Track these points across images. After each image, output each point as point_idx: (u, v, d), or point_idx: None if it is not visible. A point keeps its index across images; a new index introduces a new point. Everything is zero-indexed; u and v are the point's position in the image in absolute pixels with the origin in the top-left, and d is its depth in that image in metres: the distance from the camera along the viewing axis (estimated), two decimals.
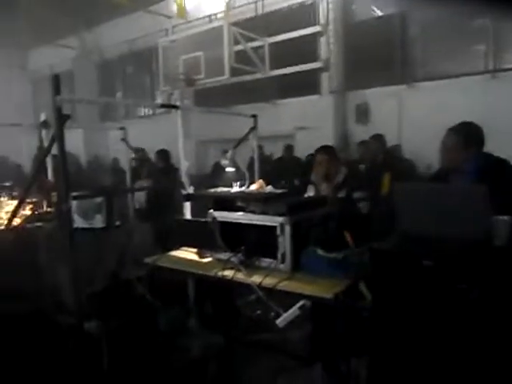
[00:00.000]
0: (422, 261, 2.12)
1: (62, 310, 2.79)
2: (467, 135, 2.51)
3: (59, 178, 3.82)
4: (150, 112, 11.29)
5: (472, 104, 6.01)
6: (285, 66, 7.99)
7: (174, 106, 3.12)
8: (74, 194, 2.68)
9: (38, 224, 3.34)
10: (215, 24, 8.07)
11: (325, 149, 3.16)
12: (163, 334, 2.98)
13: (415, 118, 6.68)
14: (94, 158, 10.40)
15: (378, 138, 5.64)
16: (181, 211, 3.43)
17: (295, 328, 2.57)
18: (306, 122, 7.89)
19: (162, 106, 3.45)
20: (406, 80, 7.01)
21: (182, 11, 9.82)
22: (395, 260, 2.18)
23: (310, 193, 3.02)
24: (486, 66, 6.41)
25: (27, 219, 3.35)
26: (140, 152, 5.86)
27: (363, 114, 7.41)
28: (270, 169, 7.13)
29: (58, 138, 2.41)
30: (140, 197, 5.54)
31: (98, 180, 7.92)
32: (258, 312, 3.21)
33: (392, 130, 6.61)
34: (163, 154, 6.04)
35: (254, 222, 2.45)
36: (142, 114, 11.61)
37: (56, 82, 2.42)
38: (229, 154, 2.92)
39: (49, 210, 3.68)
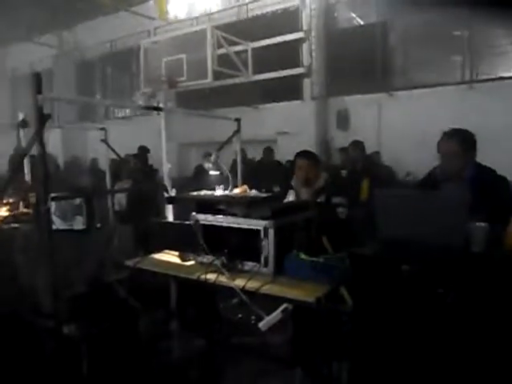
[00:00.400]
0: (400, 266, 2.17)
1: (40, 312, 2.73)
2: (465, 141, 2.54)
3: (37, 178, 3.77)
4: (130, 113, 11.18)
5: (449, 113, 6.19)
6: (267, 71, 8.04)
7: (158, 108, 3.10)
8: (53, 194, 2.63)
9: (15, 225, 3.27)
10: (198, 27, 8.08)
11: (305, 154, 3.15)
12: (144, 337, 2.94)
13: (394, 125, 6.82)
14: (72, 159, 10.22)
15: (357, 145, 5.73)
16: (162, 213, 3.40)
17: (276, 332, 2.58)
18: (287, 127, 7.95)
19: (145, 107, 3.40)
20: (386, 88, 7.16)
21: (164, 13, 9.77)
22: (375, 265, 2.22)
23: (290, 198, 3.01)
24: (462, 76, 6.60)
25: (4, 220, 3.27)
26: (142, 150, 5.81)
27: (344, 120, 7.52)
28: (250, 172, 7.15)
29: (39, 138, 2.37)
30: (120, 199, 5.47)
31: (77, 181, 7.78)
32: (240, 316, 3.20)
33: (371, 136, 6.74)
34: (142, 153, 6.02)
35: (238, 226, 2.45)
36: (122, 115, 11.48)
37: (37, 80, 2.38)
38: (212, 157, 2.92)
39: (25, 211, 3.60)
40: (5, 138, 10.35)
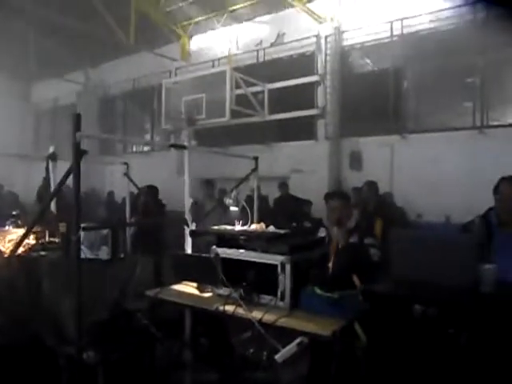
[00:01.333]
0: (412, 305, 2.25)
1: (62, 338, 2.82)
2: None
3: (62, 208, 3.94)
4: (147, 149, 11.55)
5: (460, 157, 6.35)
6: (283, 111, 8.33)
7: (183, 147, 3.30)
8: (83, 225, 2.78)
9: (42, 253, 3.42)
10: (218, 68, 8.49)
11: (337, 195, 3.21)
12: (159, 366, 3.00)
13: (406, 167, 6.96)
14: (91, 191, 10.49)
15: (371, 185, 5.85)
16: (169, 247, 3.50)
17: (288, 367, 2.62)
18: (301, 166, 8.15)
19: (172, 145, 3.60)
20: (399, 131, 7.35)
21: (186, 54, 10.31)
22: (388, 303, 2.31)
23: (322, 235, 3.03)
24: (474, 121, 6.77)
25: (33, 248, 3.43)
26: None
27: (357, 160, 7.68)
28: (272, 208, 7.32)
29: (75, 171, 2.55)
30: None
31: (95, 212, 8.00)
32: (251, 350, 3.24)
33: (384, 177, 6.87)
34: (153, 190, 6.17)
35: (256, 260, 2.57)
36: (139, 150, 11.84)
37: (77, 119, 2.59)
38: (233, 194, 3.07)
39: (51, 239, 3.77)
40: (29, 169, 10.76)
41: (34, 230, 3.59)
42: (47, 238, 3.75)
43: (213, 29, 9.83)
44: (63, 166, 4.28)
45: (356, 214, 3.07)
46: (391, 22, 7.42)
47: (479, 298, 2.05)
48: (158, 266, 3.84)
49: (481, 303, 2.02)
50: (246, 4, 8.94)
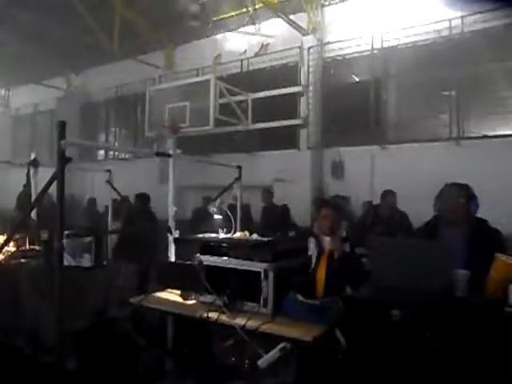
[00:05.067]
0: (390, 310, 2.32)
1: (41, 347, 2.79)
2: (464, 194, 2.73)
3: (43, 215, 3.92)
4: (127, 156, 11.47)
5: (437, 167, 6.52)
6: (266, 121, 8.42)
7: (168, 155, 3.33)
8: (66, 232, 2.78)
9: (23, 260, 3.38)
10: (203, 77, 8.55)
11: (331, 203, 3.21)
12: (141, 374, 2.99)
13: (386, 176, 7.09)
14: (71, 198, 10.34)
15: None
16: (157, 255, 3.52)
17: (269, 376, 2.65)
18: (283, 175, 8.22)
19: (158, 154, 3.60)
20: (379, 141, 7.51)
21: (171, 63, 10.35)
22: (367, 308, 2.37)
23: (311, 245, 2.94)
24: (450, 133, 6.99)
25: (13, 255, 3.38)
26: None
27: (339, 169, 7.81)
28: (261, 217, 7.38)
29: (59, 179, 2.56)
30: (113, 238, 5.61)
31: (75, 219, 7.88)
32: (233, 359, 3.26)
33: (365, 186, 7.02)
34: (143, 198, 6.19)
35: (240, 267, 2.60)
36: (121, 157, 11.73)
37: (62, 127, 2.60)
38: (217, 202, 3.11)
39: (32, 247, 3.73)
40: (6, 175, 10.56)
41: (14, 237, 3.57)
42: (27, 246, 3.71)
43: (198, 38, 9.89)
44: (42, 172, 4.25)
45: (345, 224, 3.07)
46: (372, 36, 7.62)
47: (453, 302, 2.13)
48: (142, 274, 3.84)
49: (455, 307, 2.10)
50: (230, 14, 9.04)
